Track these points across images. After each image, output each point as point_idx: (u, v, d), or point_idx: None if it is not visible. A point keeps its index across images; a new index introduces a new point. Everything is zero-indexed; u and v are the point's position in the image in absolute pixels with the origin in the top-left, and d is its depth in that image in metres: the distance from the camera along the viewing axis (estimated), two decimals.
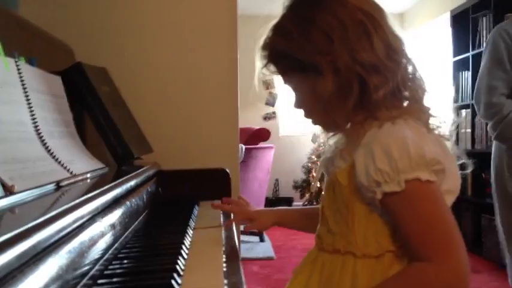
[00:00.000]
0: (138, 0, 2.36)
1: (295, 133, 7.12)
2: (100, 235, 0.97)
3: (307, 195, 6.48)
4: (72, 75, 1.75)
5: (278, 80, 1.27)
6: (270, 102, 7.48)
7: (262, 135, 5.77)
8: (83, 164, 1.47)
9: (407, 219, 0.97)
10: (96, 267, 0.91)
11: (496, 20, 4.34)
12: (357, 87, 1.02)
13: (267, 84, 7.12)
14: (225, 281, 0.90)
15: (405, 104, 1.07)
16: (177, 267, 0.95)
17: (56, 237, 0.72)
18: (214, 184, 2.00)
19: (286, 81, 1.15)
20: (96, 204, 0.98)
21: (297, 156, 6.90)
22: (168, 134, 2.31)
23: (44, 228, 0.68)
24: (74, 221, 0.82)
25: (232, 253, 1.13)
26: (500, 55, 2.59)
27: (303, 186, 6.49)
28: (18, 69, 1.28)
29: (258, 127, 5.95)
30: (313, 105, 1.12)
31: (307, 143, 6.80)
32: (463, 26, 5.08)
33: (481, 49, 3.70)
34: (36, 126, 1.31)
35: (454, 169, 1.05)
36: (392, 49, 1.05)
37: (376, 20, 1.05)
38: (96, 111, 1.77)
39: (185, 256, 1.08)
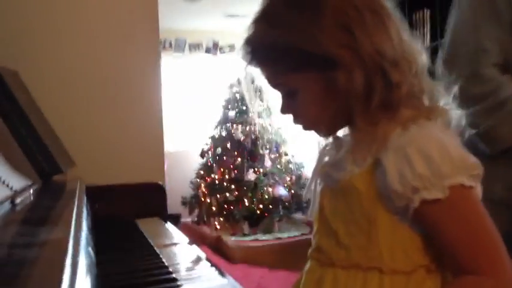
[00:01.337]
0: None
1: (182, 148, 6.95)
2: None
3: (196, 211, 6.32)
4: None
5: None
6: None
7: None
8: (15, 179, 1.25)
9: (453, 230, 0.88)
10: None
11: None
12: (381, 83, 0.92)
13: None
14: None
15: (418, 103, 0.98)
16: None
17: None
18: (148, 199, 1.82)
19: (280, 83, 1.00)
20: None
21: (184, 172, 6.72)
22: (88, 146, 2.07)
23: None
24: None
25: None
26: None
27: (191, 202, 6.32)
28: None
29: None
30: (323, 108, 0.98)
31: (195, 157, 6.65)
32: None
33: None
34: None
35: None
36: (404, 42, 0.97)
37: (386, 9, 0.97)
38: (16, 121, 1.52)
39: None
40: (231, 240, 1.29)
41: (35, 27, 2.08)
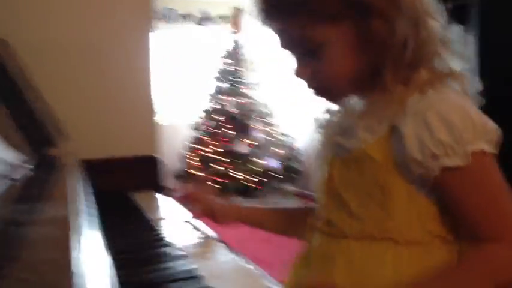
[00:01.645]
0: None
1: (174, 121, 6.87)
2: None
3: (188, 183, 6.29)
4: None
5: None
6: None
7: None
8: (10, 154, 1.21)
9: (474, 197, 0.85)
10: None
11: None
12: (414, 37, 0.87)
13: None
14: None
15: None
16: None
17: None
18: (144, 173, 1.79)
19: (305, 38, 0.90)
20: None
21: (177, 145, 6.66)
22: (79, 118, 2.02)
23: None
24: None
25: None
26: None
27: (183, 176, 6.28)
28: None
29: None
30: (350, 63, 0.91)
31: (184, 131, 6.59)
32: None
33: None
34: None
35: None
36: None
37: None
38: (8, 93, 1.47)
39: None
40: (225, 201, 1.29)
41: None
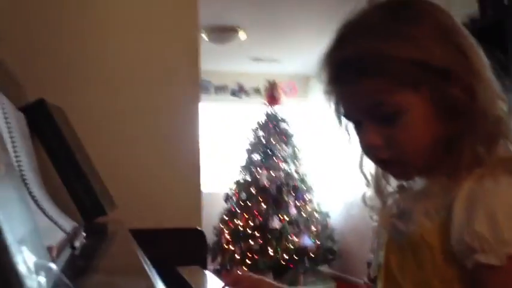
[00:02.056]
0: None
1: (206, 192, 6.86)
2: None
3: (219, 259, 6.18)
4: (34, 114, 1.46)
5: None
6: None
7: None
8: (64, 220, 1.20)
9: None
10: None
11: None
12: (492, 114, 0.86)
13: None
14: None
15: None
16: None
17: None
18: (188, 246, 1.76)
19: (382, 103, 0.86)
20: None
21: (208, 216, 6.62)
22: (125, 187, 2.02)
23: None
24: None
25: None
26: None
27: (214, 249, 6.19)
28: None
29: None
30: (428, 131, 0.87)
31: (219, 202, 6.55)
32: None
33: None
34: (21, 172, 1.03)
35: None
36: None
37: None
38: (62, 158, 1.48)
39: None
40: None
41: (79, 64, 2.07)
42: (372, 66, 0.86)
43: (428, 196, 0.90)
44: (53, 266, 0.48)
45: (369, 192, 1.05)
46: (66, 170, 1.47)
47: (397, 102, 0.86)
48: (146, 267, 0.75)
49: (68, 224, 1.16)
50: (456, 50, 0.86)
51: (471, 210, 0.80)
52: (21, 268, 0.37)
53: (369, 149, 0.93)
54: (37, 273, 0.41)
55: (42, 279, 0.42)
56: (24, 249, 0.40)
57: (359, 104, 0.90)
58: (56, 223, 1.05)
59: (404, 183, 0.99)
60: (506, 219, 0.78)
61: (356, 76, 0.88)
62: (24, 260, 0.40)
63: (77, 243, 0.97)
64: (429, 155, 0.89)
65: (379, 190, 1.03)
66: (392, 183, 1.02)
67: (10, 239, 0.36)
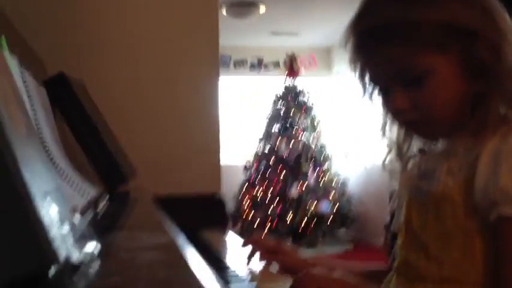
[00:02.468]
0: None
1: (226, 163, 6.93)
2: None
3: (239, 225, 6.29)
4: (54, 88, 1.50)
5: None
6: None
7: None
8: (86, 188, 1.24)
9: None
10: None
11: None
12: None
13: None
14: None
15: None
16: None
17: None
18: (208, 211, 1.80)
19: (411, 66, 0.88)
20: None
21: (228, 186, 6.71)
22: (148, 157, 2.07)
23: None
24: None
25: None
26: None
27: (235, 216, 6.30)
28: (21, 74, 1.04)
29: None
30: (455, 92, 0.88)
31: (239, 172, 6.63)
32: None
33: None
34: (43, 143, 1.07)
35: None
36: None
37: None
38: (83, 129, 1.52)
39: None
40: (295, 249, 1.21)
41: (100, 38, 2.11)
42: (400, 32, 0.87)
43: (452, 155, 0.91)
44: (76, 219, 0.52)
45: (389, 156, 1.07)
46: (87, 141, 1.52)
47: (425, 65, 0.87)
48: (167, 225, 0.79)
49: (91, 190, 1.21)
50: (483, 11, 0.87)
51: (495, 165, 0.81)
52: (46, 218, 0.41)
53: (397, 113, 0.95)
54: (61, 224, 0.45)
55: (66, 229, 0.45)
56: (48, 201, 0.43)
57: (387, 69, 0.91)
58: (78, 191, 1.09)
59: (425, 148, 1.01)
60: None
61: (384, 43, 0.89)
62: (48, 211, 0.43)
63: (100, 208, 1.02)
64: (456, 114, 0.91)
65: (400, 154, 1.05)
66: (414, 148, 1.04)
67: (34, 191, 0.39)
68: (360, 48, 0.93)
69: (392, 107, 0.94)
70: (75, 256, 0.44)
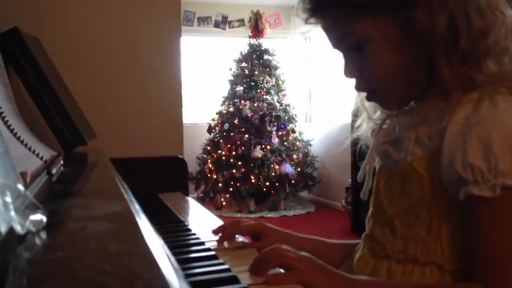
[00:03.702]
0: None
1: (189, 122, 6.86)
2: None
3: (202, 187, 6.28)
4: (7, 43, 1.44)
5: None
6: None
7: None
8: (42, 149, 1.20)
9: (488, 236, 0.76)
10: None
11: None
12: (465, 26, 0.80)
13: None
14: None
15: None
16: None
17: None
18: (170, 174, 1.78)
19: (350, 33, 0.85)
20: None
21: (191, 147, 6.68)
22: (107, 117, 2.02)
23: None
24: None
25: None
26: None
27: (198, 178, 6.28)
28: None
29: None
30: (398, 58, 0.84)
31: (202, 132, 6.59)
32: None
33: None
34: None
35: None
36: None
37: None
38: (39, 88, 1.47)
39: None
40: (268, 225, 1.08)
41: None
42: None
43: (424, 122, 0.87)
44: (21, 187, 0.49)
45: (359, 120, 1.06)
46: (43, 100, 1.46)
47: (362, 30, 0.85)
48: (123, 191, 0.76)
49: (46, 153, 1.17)
50: None
51: (464, 140, 0.76)
52: None
53: (350, 79, 0.92)
54: (2, 193, 0.42)
55: (8, 199, 0.43)
56: None
57: (332, 36, 0.90)
58: (33, 151, 1.05)
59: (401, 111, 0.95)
60: (501, 148, 0.74)
61: (322, 7, 0.88)
62: None
63: (54, 170, 0.98)
64: (405, 82, 0.87)
65: (370, 116, 1.03)
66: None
67: None
68: (308, 12, 0.91)
69: (344, 73, 0.92)
70: (19, 227, 0.42)
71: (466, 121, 0.78)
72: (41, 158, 1.06)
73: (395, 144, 0.92)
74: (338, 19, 0.87)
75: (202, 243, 1.00)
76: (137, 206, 0.64)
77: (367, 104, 1.01)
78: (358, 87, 0.92)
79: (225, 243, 0.99)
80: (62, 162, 1.13)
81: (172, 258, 0.47)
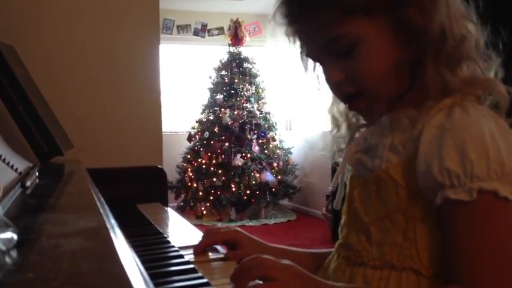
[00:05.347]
0: None
1: (168, 131, 6.83)
2: None
3: (182, 196, 6.24)
4: None
5: None
6: None
7: None
8: (17, 161, 1.18)
9: (467, 239, 0.76)
10: None
11: None
12: (451, 34, 0.82)
13: None
14: None
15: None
16: None
17: None
18: (148, 184, 1.76)
19: (339, 35, 0.84)
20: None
21: (171, 155, 6.63)
22: (85, 127, 1.99)
23: None
24: None
25: None
26: None
27: (178, 187, 6.23)
28: None
29: None
30: (388, 59, 0.84)
31: (182, 141, 6.55)
32: None
33: None
34: None
35: None
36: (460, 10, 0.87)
37: None
38: (14, 98, 1.44)
39: None
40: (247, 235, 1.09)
41: (32, 2, 1.98)
42: None
43: (396, 129, 0.87)
44: None
45: (336, 129, 1.05)
46: (19, 109, 1.44)
47: (353, 32, 0.84)
48: (99, 204, 0.75)
49: (21, 164, 1.14)
50: None
51: (440, 145, 0.77)
52: None
53: (334, 86, 0.91)
54: None
55: None
56: None
57: (316, 41, 0.88)
58: (7, 163, 1.03)
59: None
60: (477, 152, 0.74)
61: (309, 11, 0.86)
62: None
63: (29, 183, 0.96)
64: (394, 84, 0.87)
65: (349, 124, 1.03)
66: (361, 118, 1.01)
67: None
68: (289, 18, 0.89)
69: (328, 81, 0.91)
70: None
71: (441, 127, 0.79)
72: (16, 170, 1.04)
73: (368, 152, 0.92)
74: (326, 22, 0.85)
75: (181, 256, 0.99)
76: (113, 221, 0.62)
77: (338, 114, 1.03)
78: (344, 92, 0.90)
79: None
80: (37, 174, 1.11)
81: (147, 277, 0.46)
